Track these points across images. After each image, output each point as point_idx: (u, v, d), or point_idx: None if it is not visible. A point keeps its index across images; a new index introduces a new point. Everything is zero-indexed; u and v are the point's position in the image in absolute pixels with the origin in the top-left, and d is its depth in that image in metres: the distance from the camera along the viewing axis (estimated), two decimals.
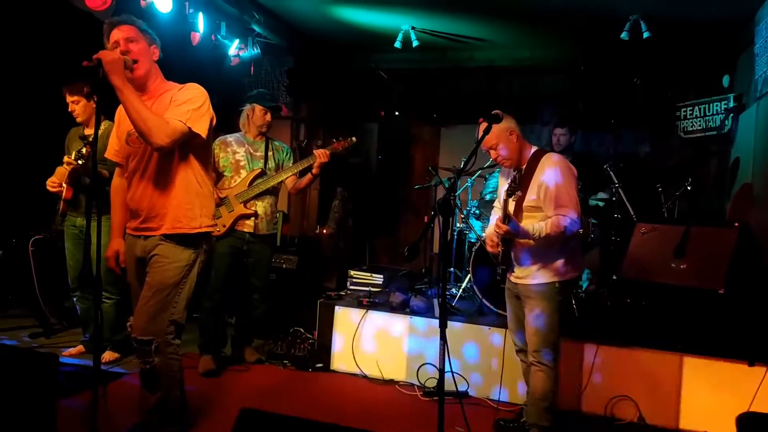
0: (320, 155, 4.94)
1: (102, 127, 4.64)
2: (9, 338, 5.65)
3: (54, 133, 5.36)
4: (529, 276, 3.79)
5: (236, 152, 5.14)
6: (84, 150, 4.70)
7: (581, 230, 3.69)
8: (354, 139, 5.11)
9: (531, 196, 3.74)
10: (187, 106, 3.25)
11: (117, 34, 3.27)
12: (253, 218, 5.07)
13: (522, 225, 3.63)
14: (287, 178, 5.16)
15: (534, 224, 3.64)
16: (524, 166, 3.81)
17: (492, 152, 3.84)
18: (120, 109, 3.44)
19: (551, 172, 3.69)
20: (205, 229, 3.50)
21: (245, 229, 5.06)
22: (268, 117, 5.20)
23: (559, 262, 3.74)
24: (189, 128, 3.22)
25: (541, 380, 3.78)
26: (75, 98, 4.97)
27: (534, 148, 3.87)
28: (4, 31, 5.98)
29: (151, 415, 3.49)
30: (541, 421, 3.82)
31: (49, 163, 4.83)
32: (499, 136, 3.75)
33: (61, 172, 4.78)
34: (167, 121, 3.16)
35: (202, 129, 3.30)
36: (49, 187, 4.83)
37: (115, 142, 3.59)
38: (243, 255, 5.14)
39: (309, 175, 5.08)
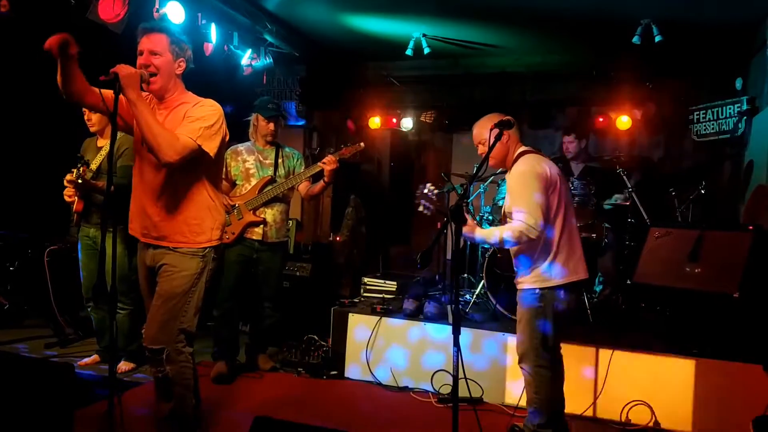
0: (328, 162, 4.95)
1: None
2: (25, 349, 5.69)
3: (69, 143, 5.39)
4: (519, 282, 3.81)
5: (246, 161, 5.17)
6: (82, 170, 4.74)
7: (538, 235, 3.62)
8: (362, 144, 5.12)
9: (507, 201, 3.78)
10: (200, 123, 3.25)
11: (145, 43, 3.30)
12: (262, 226, 5.08)
13: (479, 230, 3.65)
14: (299, 184, 5.18)
15: (492, 229, 3.67)
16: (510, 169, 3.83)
17: (480, 147, 3.86)
18: None
19: (514, 176, 3.71)
20: (215, 243, 3.50)
21: (254, 237, 5.08)
22: (271, 126, 5.20)
23: (539, 269, 3.69)
24: (198, 146, 3.23)
25: (527, 385, 3.81)
26: None
27: (521, 149, 3.84)
28: (20, 42, 6.04)
29: (164, 424, 3.50)
30: (527, 424, 3.83)
31: (64, 174, 4.87)
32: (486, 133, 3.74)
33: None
34: (177, 137, 3.16)
35: (211, 148, 3.30)
36: (66, 198, 4.90)
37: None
38: (253, 264, 5.15)
39: (321, 182, 5.08)
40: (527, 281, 3.74)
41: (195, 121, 3.26)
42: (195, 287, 3.43)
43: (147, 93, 3.37)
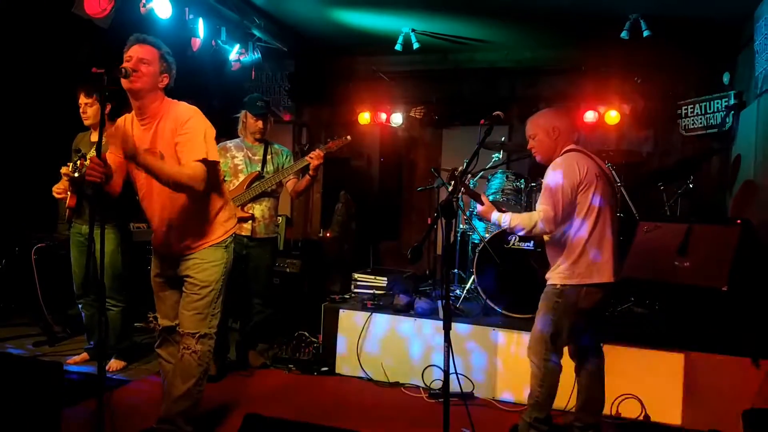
0: (313, 156, 4.94)
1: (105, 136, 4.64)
2: (13, 347, 5.65)
3: (58, 139, 5.35)
4: (546, 278, 3.86)
5: (235, 157, 5.15)
6: (79, 162, 4.69)
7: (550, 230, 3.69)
8: (348, 137, 5.10)
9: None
10: (197, 139, 3.37)
11: (136, 50, 3.36)
12: (250, 221, 5.06)
13: (495, 212, 3.79)
14: (287, 180, 5.16)
15: (509, 213, 3.75)
16: None
17: (530, 141, 3.93)
18: (125, 119, 3.57)
19: (548, 171, 3.75)
20: (231, 232, 3.73)
21: (243, 233, 5.04)
22: (259, 124, 5.18)
23: (563, 266, 3.73)
24: (205, 159, 3.36)
25: (532, 376, 3.82)
26: (90, 101, 4.94)
27: (568, 147, 3.84)
28: (8, 38, 5.99)
29: (176, 404, 3.54)
30: (524, 416, 3.84)
31: (53, 171, 4.83)
32: (541, 128, 3.87)
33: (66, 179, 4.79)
34: (193, 168, 3.30)
35: (215, 155, 3.47)
36: (55, 194, 4.83)
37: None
38: (242, 260, 5.12)
39: (307, 177, 5.06)
40: (552, 276, 3.80)
41: (191, 139, 3.37)
42: (224, 276, 3.68)
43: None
